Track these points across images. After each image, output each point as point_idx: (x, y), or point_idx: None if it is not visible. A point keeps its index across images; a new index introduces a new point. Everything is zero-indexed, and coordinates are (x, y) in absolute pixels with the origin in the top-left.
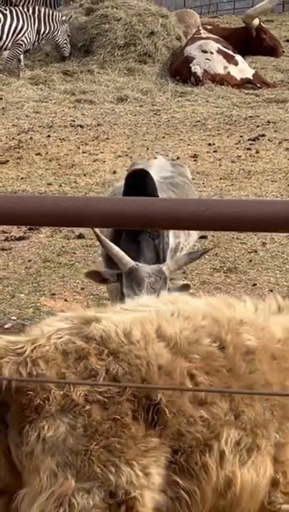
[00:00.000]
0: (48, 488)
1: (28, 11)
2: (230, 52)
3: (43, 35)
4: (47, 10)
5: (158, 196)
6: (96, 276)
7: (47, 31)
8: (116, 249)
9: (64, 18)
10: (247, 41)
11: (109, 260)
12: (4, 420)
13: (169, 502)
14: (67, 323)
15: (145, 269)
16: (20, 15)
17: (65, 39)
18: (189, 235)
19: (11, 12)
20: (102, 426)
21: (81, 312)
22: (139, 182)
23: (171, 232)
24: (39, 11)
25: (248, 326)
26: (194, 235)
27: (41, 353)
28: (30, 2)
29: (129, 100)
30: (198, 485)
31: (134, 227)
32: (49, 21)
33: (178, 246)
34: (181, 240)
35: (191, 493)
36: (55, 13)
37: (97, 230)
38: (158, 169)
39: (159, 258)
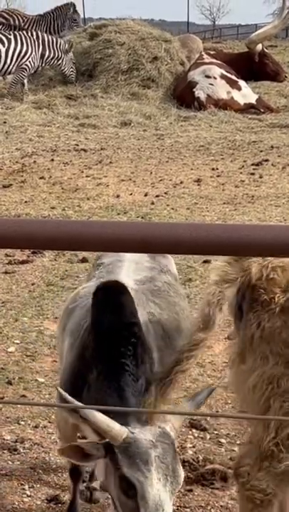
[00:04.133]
0: (260, 368)
1: (32, 35)
2: (234, 78)
3: (46, 59)
4: (51, 37)
5: (137, 318)
6: (75, 452)
7: (51, 56)
8: (98, 417)
9: (67, 47)
10: (250, 66)
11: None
12: (241, 308)
13: None
14: None
15: (145, 436)
16: (24, 39)
17: (71, 67)
18: None
19: (15, 36)
20: None
21: None
22: (112, 300)
23: (157, 363)
24: (43, 37)
25: None
26: None
27: (280, 262)
28: (34, 27)
29: (132, 125)
30: None
31: (136, 251)
32: (53, 47)
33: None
34: None
35: None
36: (59, 41)
37: (67, 395)
38: (132, 267)
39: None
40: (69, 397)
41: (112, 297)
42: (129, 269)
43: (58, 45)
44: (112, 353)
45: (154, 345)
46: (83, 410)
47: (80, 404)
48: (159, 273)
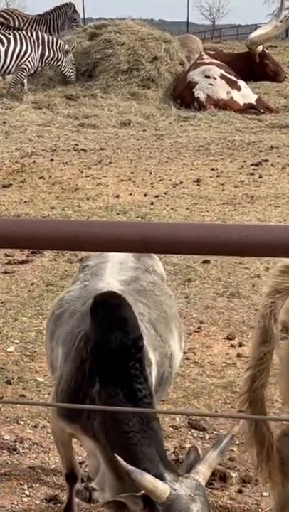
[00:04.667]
0: None
1: (31, 35)
2: (234, 78)
3: (46, 60)
4: (50, 37)
5: (140, 330)
6: (117, 507)
7: (51, 57)
8: (146, 477)
9: (67, 47)
10: (250, 67)
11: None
12: None
13: None
14: None
15: (185, 492)
16: (24, 39)
17: (71, 68)
18: (172, 358)
19: (14, 36)
20: None
21: None
22: (113, 316)
23: (154, 364)
24: (42, 37)
25: None
26: (179, 356)
27: None
28: (34, 27)
29: (132, 125)
30: None
31: (135, 251)
32: (53, 48)
33: (162, 376)
34: (165, 368)
35: None
36: (59, 42)
37: (122, 460)
38: (116, 268)
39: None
40: (128, 466)
41: (112, 313)
42: (113, 270)
43: (58, 46)
44: (118, 371)
45: (150, 346)
46: (134, 473)
47: (84, 405)
48: (143, 273)
